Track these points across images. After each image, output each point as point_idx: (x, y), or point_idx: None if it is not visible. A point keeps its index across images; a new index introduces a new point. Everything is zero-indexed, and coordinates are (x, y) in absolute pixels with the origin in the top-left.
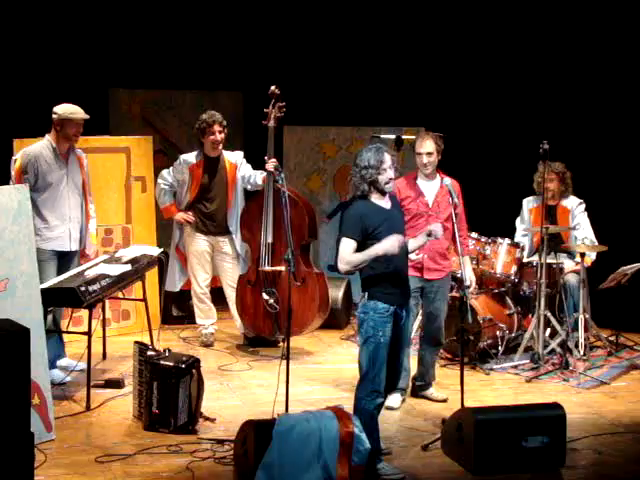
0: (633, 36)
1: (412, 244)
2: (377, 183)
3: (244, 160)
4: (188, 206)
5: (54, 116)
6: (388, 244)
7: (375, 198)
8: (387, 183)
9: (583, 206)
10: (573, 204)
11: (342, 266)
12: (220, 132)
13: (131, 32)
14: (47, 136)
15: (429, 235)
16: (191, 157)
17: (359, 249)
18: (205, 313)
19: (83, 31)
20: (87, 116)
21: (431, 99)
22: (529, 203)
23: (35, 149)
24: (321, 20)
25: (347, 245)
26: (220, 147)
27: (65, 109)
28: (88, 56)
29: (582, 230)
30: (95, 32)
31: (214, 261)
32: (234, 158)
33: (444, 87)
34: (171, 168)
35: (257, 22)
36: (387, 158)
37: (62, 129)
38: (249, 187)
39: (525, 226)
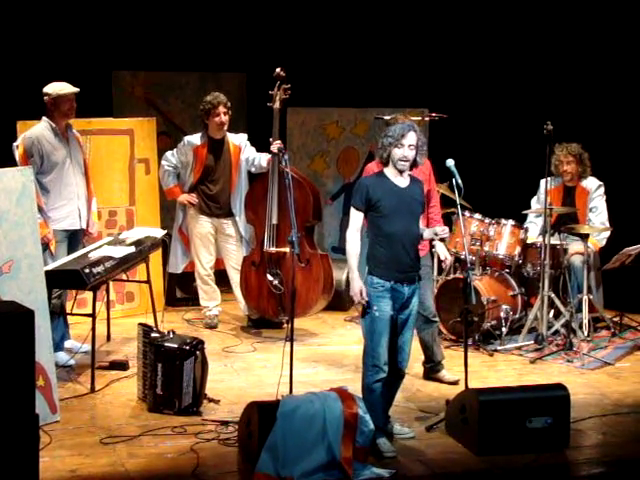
0: None
1: (426, 234)
2: (391, 155)
3: (248, 142)
4: (192, 188)
5: (45, 98)
6: (354, 288)
7: (390, 173)
8: (401, 160)
9: (602, 189)
10: (592, 186)
11: (346, 236)
12: (225, 113)
13: (134, 14)
14: (44, 118)
15: (436, 234)
16: (195, 139)
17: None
18: (209, 295)
19: (86, 13)
20: (77, 89)
21: (435, 80)
22: (547, 183)
23: (35, 131)
24: (324, 1)
25: (354, 215)
26: (225, 128)
27: (54, 87)
28: (91, 38)
29: (598, 214)
30: (98, 14)
31: (218, 243)
32: (238, 140)
33: (448, 68)
34: (175, 150)
35: (261, 3)
36: (412, 137)
37: (56, 107)
38: (253, 169)
39: (540, 206)
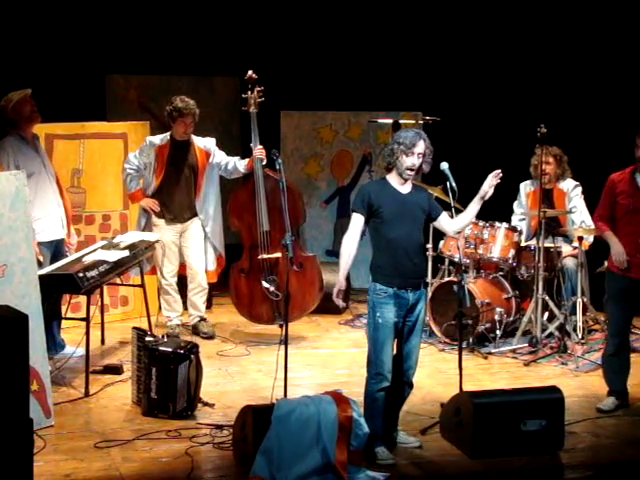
0: (630, 22)
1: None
2: (399, 163)
3: (217, 148)
4: (155, 191)
5: (7, 112)
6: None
7: (393, 180)
8: (409, 169)
9: (579, 189)
10: (569, 186)
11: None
12: (191, 123)
13: (127, 18)
14: (10, 131)
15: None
16: (157, 139)
17: (367, 225)
18: (170, 305)
19: (79, 17)
20: (29, 90)
21: (428, 83)
22: (526, 187)
23: (6, 143)
24: (318, 4)
25: (354, 219)
26: (189, 133)
27: (6, 98)
28: (84, 42)
29: (578, 214)
30: (91, 18)
31: (180, 247)
32: (204, 144)
33: (441, 71)
34: (137, 151)
35: (253, 7)
36: (421, 145)
37: (19, 115)
38: (225, 174)
39: (522, 210)
